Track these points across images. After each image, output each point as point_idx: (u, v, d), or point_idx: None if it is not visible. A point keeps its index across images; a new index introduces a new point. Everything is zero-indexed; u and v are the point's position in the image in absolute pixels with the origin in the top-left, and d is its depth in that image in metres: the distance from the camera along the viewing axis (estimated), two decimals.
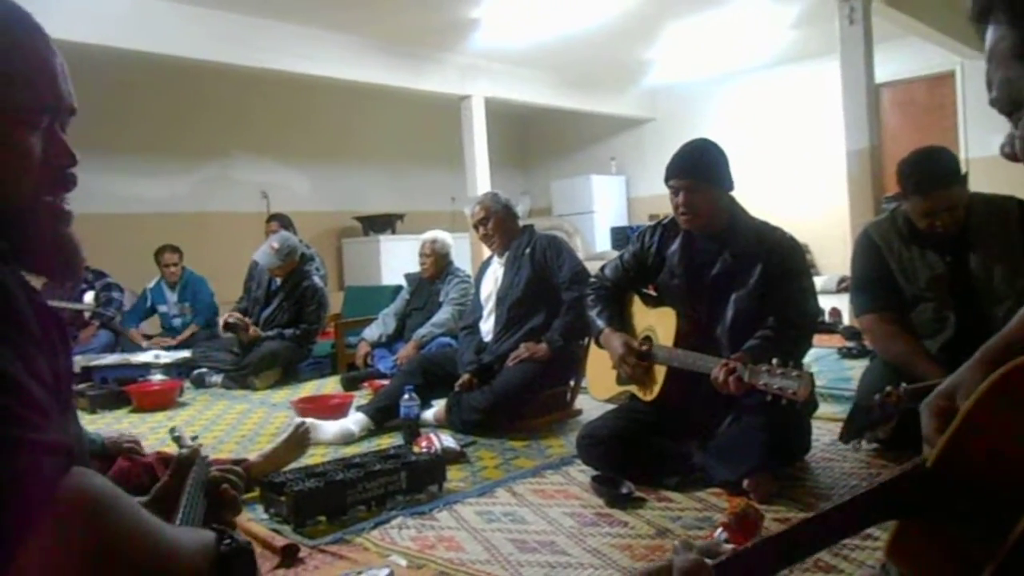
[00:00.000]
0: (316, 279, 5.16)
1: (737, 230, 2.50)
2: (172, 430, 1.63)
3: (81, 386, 4.53)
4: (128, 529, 0.62)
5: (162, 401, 4.31)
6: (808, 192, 8.16)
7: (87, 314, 5.71)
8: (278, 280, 5.06)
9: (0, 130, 0.76)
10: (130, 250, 6.29)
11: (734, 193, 2.56)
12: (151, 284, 6.05)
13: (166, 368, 4.86)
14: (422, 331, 4.45)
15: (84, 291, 5.77)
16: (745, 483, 2.19)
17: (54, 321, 0.73)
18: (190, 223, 7.07)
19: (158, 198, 7.15)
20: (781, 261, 2.44)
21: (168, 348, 5.43)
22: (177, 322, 5.98)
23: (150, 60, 5.54)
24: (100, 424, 3.80)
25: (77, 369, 4.83)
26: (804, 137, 8.31)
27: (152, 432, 3.64)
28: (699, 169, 2.47)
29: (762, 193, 7.13)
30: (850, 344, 4.48)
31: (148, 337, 5.85)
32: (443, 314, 4.51)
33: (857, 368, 3.69)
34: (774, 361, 2.05)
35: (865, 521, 0.61)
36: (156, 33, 5.31)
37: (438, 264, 4.70)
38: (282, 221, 6.27)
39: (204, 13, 5.51)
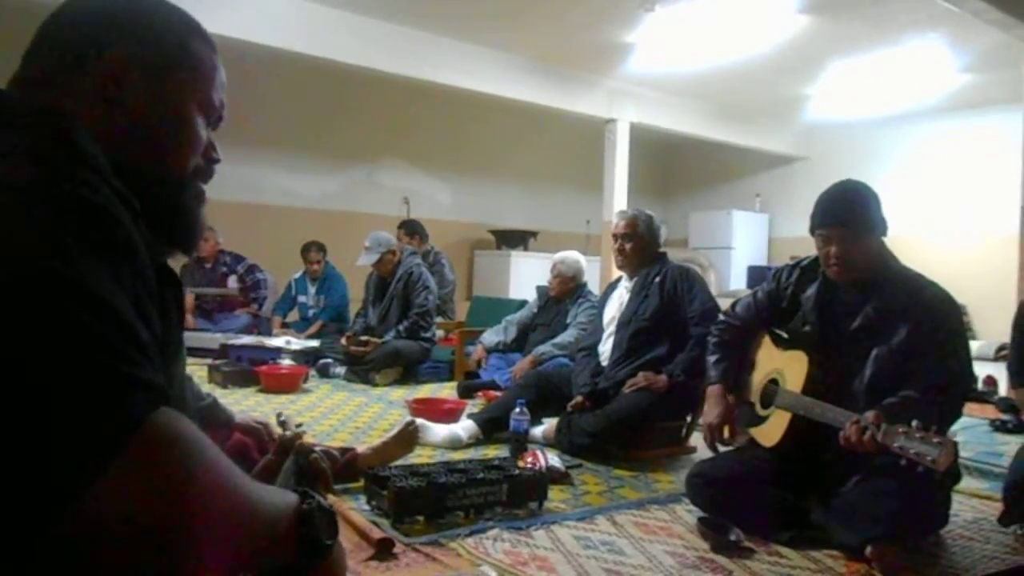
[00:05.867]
0: (421, 269, 5.28)
1: (886, 281, 2.30)
2: (279, 414, 1.68)
3: (218, 362, 4.83)
4: (207, 473, 0.62)
5: (288, 385, 4.51)
6: (970, 249, 7.56)
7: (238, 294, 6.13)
8: (389, 281, 5.24)
9: (188, 111, 0.87)
10: (280, 241, 6.67)
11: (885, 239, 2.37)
12: (297, 275, 6.38)
13: (295, 354, 5.09)
14: (543, 348, 4.43)
15: (226, 275, 6.17)
16: (868, 550, 2.01)
17: (172, 284, 0.78)
18: (336, 221, 7.40)
19: (310, 194, 7.55)
20: (932, 321, 2.22)
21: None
22: (312, 313, 6.27)
23: (312, 63, 5.85)
24: (229, 399, 4.01)
25: (216, 345, 5.15)
26: (970, 189, 7.71)
27: (274, 412, 3.80)
28: (854, 215, 2.26)
29: (918, 246, 6.68)
30: (1005, 417, 4.08)
31: (285, 325, 6.16)
32: (567, 336, 4.47)
33: (1012, 444, 3.36)
34: (913, 423, 1.87)
35: None
36: (320, 38, 5.61)
37: (564, 285, 4.67)
38: (408, 228, 6.44)
39: (366, 22, 5.78)
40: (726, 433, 2.49)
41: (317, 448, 1.12)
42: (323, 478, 1.07)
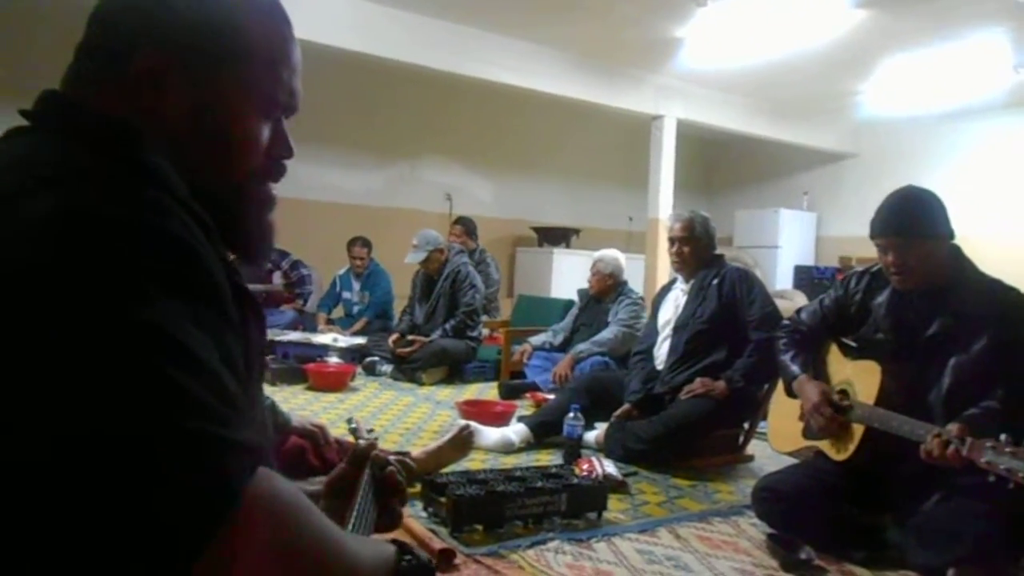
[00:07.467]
0: (468, 267, 5.25)
1: (961, 286, 2.20)
2: (349, 420, 1.63)
3: (266, 358, 4.83)
4: (309, 541, 0.58)
5: (336, 383, 4.50)
6: None
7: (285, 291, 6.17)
8: (436, 279, 5.23)
9: (239, 115, 0.77)
10: (324, 236, 6.67)
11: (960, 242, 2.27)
12: (341, 271, 6.37)
13: (342, 352, 5.08)
14: (581, 346, 4.38)
15: (271, 271, 6.20)
16: (950, 573, 1.92)
17: (251, 303, 0.72)
18: (379, 216, 7.40)
19: (353, 190, 7.55)
20: (1016, 326, 2.12)
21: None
22: (357, 309, 6.27)
23: (355, 58, 5.83)
24: (278, 397, 4.00)
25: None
26: None
27: (324, 411, 3.80)
28: (911, 224, 2.18)
29: (976, 245, 6.44)
30: None
31: (330, 322, 6.17)
32: (607, 333, 4.41)
33: None
34: (1002, 437, 1.77)
35: None
36: (364, 34, 5.58)
37: (603, 283, 4.62)
38: (466, 225, 6.41)
39: (410, 17, 5.73)
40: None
41: (392, 458, 1.07)
42: (399, 491, 1.02)
